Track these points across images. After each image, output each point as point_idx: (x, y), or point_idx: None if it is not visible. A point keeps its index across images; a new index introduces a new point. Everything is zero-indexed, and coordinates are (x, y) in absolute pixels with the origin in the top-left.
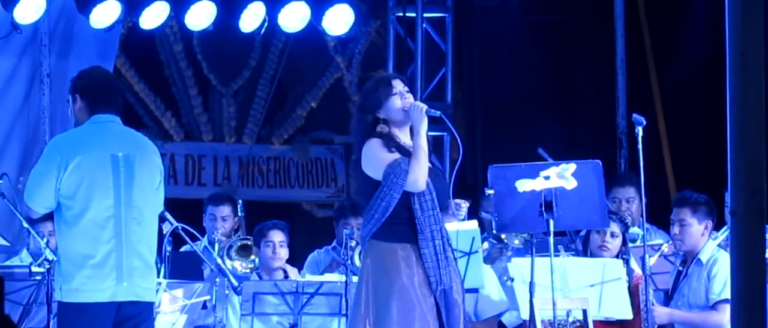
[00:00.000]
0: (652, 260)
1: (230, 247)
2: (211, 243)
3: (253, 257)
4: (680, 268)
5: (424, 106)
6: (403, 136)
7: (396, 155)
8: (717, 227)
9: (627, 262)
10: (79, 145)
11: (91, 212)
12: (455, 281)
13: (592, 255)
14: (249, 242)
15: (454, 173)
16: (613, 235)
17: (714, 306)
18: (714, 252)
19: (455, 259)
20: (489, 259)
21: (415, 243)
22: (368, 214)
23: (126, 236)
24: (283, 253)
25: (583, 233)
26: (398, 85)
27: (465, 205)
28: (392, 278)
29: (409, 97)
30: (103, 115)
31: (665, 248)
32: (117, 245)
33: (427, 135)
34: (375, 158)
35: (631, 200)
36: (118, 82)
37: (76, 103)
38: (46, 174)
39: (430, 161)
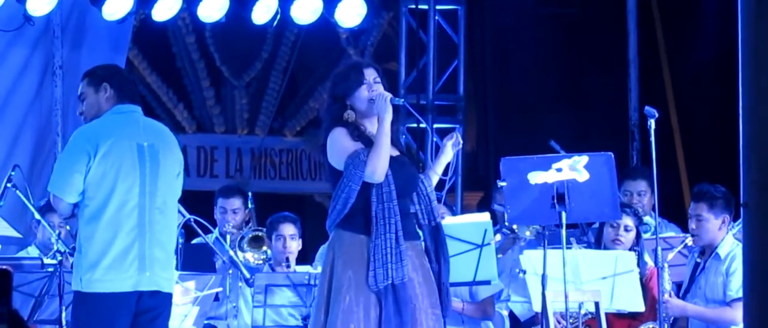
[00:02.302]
0: (671, 255)
1: (242, 238)
2: (223, 236)
3: (264, 248)
4: (698, 260)
5: (389, 95)
6: (370, 126)
7: (358, 145)
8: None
9: (640, 255)
10: (108, 133)
11: (115, 200)
12: (415, 278)
13: (606, 249)
14: (260, 233)
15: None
16: (626, 228)
17: (730, 303)
18: (732, 247)
19: (425, 256)
20: (500, 250)
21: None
22: (332, 204)
23: (149, 226)
24: (294, 246)
25: (595, 225)
26: (370, 74)
27: (456, 135)
28: (356, 271)
29: (378, 88)
30: (126, 105)
31: (689, 242)
32: (140, 234)
33: (392, 125)
34: (337, 148)
35: (643, 194)
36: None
37: (104, 93)
38: (74, 162)
39: (399, 149)
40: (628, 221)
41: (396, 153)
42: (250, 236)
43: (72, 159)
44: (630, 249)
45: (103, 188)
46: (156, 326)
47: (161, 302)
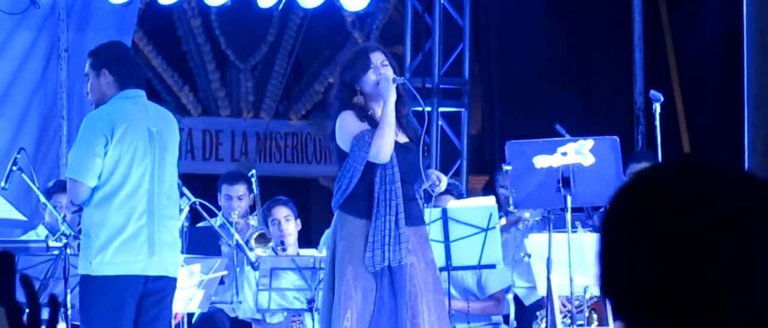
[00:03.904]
0: None
1: (248, 240)
2: (229, 224)
3: (271, 243)
4: None
5: (391, 76)
6: (379, 109)
7: (364, 126)
8: None
9: None
10: (122, 117)
11: (129, 185)
12: (417, 264)
13: None
14: (264, 231)
15: (422, 142)
16: None
17: None
18: None
19: (428, 242)
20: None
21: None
22: (337, 184)
23: (158, 211)
24: (291, 227)
25: (601, 209)
26: (376, 58)
27: (443, 179)
28: (356, 255)
29: (385, 71)
30: (132, 90)
31: None
32: (149, 219)
33: (397, 107)
34: (344, 130)
35: None
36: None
37: (103, 78)
38: (93, 145)
39: (408, 135)
40: None
41: (405, 139)
42: (255, 235)
43: (90, 142)
44: None
45: (117, 172)
46: (160, 309)
47: (166, 285)
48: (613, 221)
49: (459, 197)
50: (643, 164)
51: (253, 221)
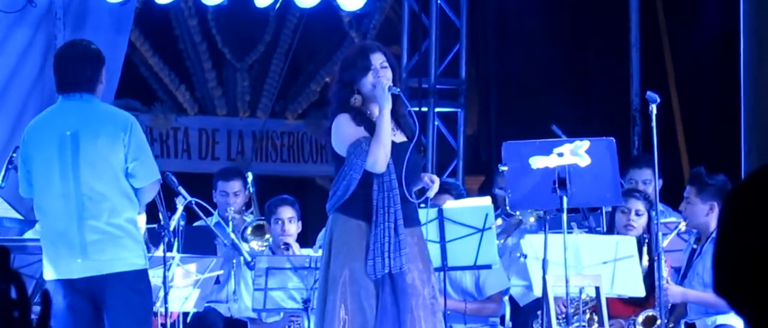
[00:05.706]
0: (666, 240)
1: (244, 229)
2: (225, 220)
3: (267, 236)
4: (694, 246)
5: (387, 85)
6: (377, 110)
7: (362, 132)
8: None
9: (648, 241)
10: (34, 129)
11: (45, 191)
12: (414, 267)
13: (619, 235)
14: (262, 222)
15: (411, 146)
16: (637, 213)
17: None
18: None
19: (424, 242)
20: (503, 234)
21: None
22: (333, 188)
23: (77, 214)
24: (293, 229)
25: (599, 210)
26: (376, 59)
27: (436, 181)
28: (353, 260)
29: (385, 72)
30: (62, 95)
31: (682, 226)
32: (68, 223)
33: (403, 111)
34: (341, 134)
35: (648, 182)
36: (84, 53)
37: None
38: (19, 160)
39: (407, 135)
40: (638, 205)
41: (402, 138)
42: (253, 226)
43: (19, 156)
44: (642, 235)
45: (37, 180)
46: (112, 305)
47: (107, 281)
48: (736, 220)
49: (458, 196)
50: (645, 170)
51: (249, 218)
